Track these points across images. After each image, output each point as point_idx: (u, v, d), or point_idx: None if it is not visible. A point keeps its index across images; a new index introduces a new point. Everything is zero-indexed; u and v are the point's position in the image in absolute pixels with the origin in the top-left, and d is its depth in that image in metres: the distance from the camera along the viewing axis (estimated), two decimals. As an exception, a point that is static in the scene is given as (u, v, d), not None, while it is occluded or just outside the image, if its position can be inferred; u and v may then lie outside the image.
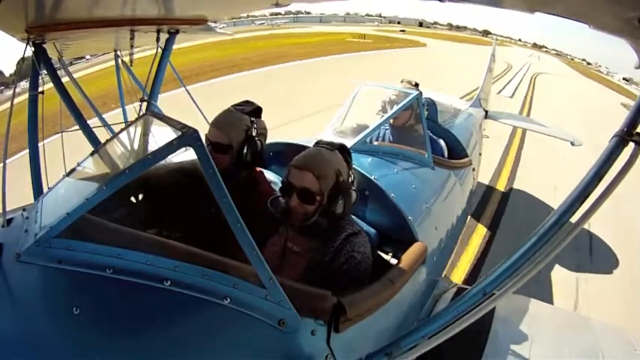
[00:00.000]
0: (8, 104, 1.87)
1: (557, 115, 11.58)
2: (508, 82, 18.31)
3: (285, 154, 2.02)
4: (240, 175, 1.65)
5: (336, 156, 1.35)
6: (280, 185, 1.36)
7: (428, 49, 31.09)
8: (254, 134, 1.63)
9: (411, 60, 22.04)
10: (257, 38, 27.06)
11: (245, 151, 1.61)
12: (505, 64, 24.99)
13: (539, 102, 15.02)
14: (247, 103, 1.73)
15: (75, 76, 2.58)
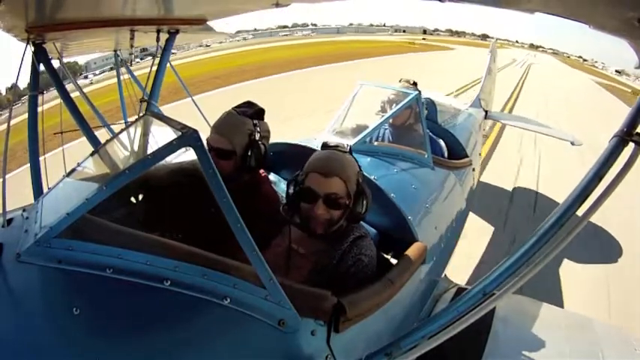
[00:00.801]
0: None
1: (539, 80, 22.48)
2: (517, 64, 35.06)
3: (286, 154, 2.02)
4: (242, 178, 1.64)
5: (351, 158, 1.35)
6: (292, 190, 1.33)
7: (456, 51, 41.92)
8: (257, 138, 1.58)
9: (451, 58, 32.47)
10: (325, 43, 39.01)
11: (249, 155, 1.55)
12: (511, 59, 38.99)
13: (531, 76, 26.08)
14: (249, 104, 1.66)
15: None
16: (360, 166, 1.37)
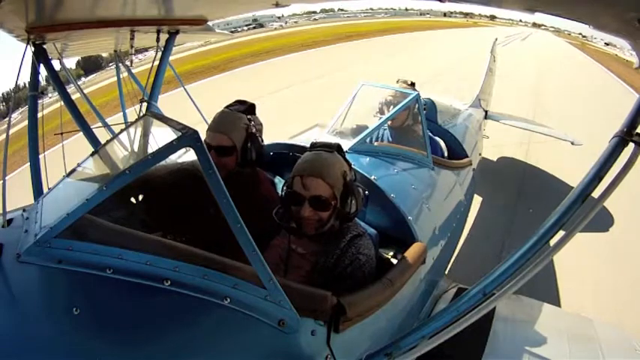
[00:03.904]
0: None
1: (531, 42, 35.37)
2: (521, 33, 48.50)
3: (285, 155, 2.02)
4: (242, 175, 1.65)
5: (337, 157, 1.34)
6: (285, 193, 1.34)
7: (495, 28, 55.61)
8: (254, 131, 1.63)
9: (495, 30, 43.07)
10: (417, 21, 59.05)
11: (249, 149, 1.61)
12: (523, 30, 53.48)
13: (526, 41, 36.70)
14: (240, 102, 1.73)
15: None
16: (349, 164, 1.37)
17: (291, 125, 4.61)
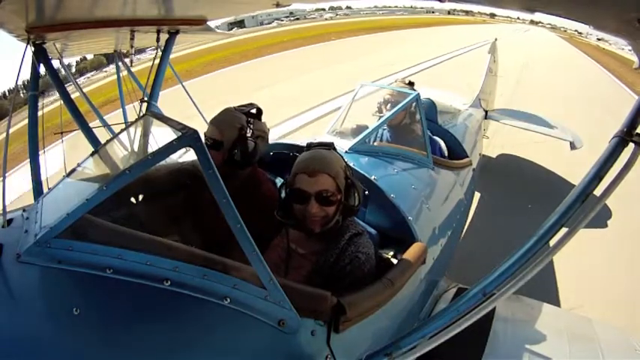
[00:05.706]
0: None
1: (526, 33, 43.15)
2: (521, 29, 52.02)
3: (286, 155, 2.02)
4: (241, 176, 1.65)
5: (335, 153, 1.36)
6: (288, 192, 1.33)
7: (497, 25, 63.06)
8: (248, 134, 1.63)
9: (499, 27, 50.61)
10: (437, 17, 68.69)
11: (235, 150, 1.60)
12: (523, 27, 58.21)
13: (526, 32, 43.77)
14: (251, 105, 1.74)
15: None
16: (345, 161, 1.38)
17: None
